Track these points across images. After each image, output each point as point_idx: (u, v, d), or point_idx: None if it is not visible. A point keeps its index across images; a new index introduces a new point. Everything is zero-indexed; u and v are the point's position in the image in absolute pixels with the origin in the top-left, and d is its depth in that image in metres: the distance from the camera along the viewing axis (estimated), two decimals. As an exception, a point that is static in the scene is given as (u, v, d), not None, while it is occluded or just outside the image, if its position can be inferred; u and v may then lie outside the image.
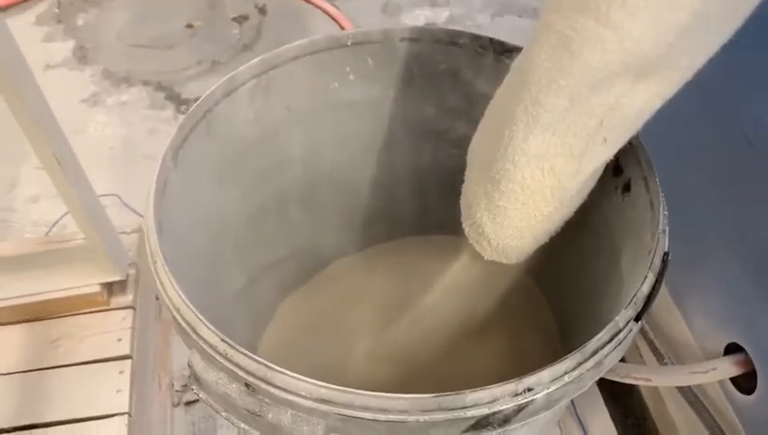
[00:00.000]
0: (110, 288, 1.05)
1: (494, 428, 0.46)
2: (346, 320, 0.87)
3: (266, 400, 0.45)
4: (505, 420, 0.46)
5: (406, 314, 0.81)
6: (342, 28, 1.67)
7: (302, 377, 0.44)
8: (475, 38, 0.69)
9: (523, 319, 0.84)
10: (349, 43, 0.69)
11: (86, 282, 1.03)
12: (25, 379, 0.96)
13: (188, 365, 0.47)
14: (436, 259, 0.75)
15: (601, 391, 0.98)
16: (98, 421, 0.91)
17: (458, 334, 0.79)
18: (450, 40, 0.70)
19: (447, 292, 0.75)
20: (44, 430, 0.91)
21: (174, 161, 0.58)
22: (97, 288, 1.02)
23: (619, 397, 1.01)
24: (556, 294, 0.85)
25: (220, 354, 0.45)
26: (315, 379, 0.76)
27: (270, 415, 0.45)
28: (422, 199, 0.86)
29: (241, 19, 1.74)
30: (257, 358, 0.44)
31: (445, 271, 0.74)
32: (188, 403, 1.06)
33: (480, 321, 0.80)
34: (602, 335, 0.48)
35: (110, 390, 0.94)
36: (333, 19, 1.71)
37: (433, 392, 0.42)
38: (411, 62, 0.72)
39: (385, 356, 0.82)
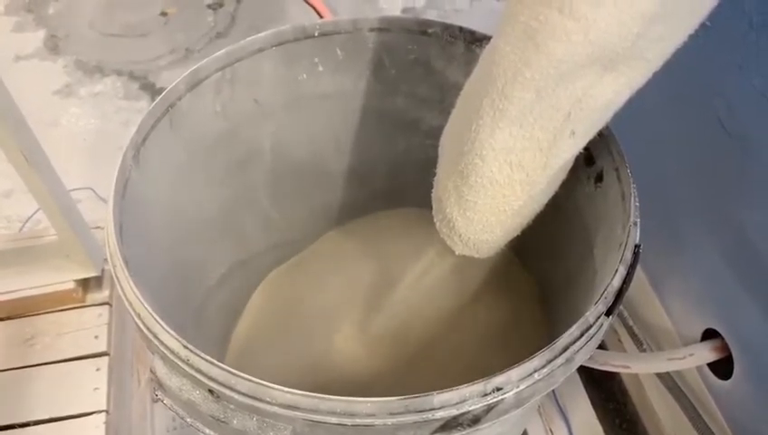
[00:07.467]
0: (86, 284, 1.04)
1: (464, 428, 0.45)
2: (324, 305, 0.85)
3: (231, 406, 0.44)
4: (475, 420, 0.45)
5: (387, 298, 0.80)
6: (320, 15, 1.64)
7: (266, 383, 0.43)
8: (445, 27, 0.67)
9: (506, 291, 0.83)
10: (316, 34, 0.68)
11: (60, 278, 1.01)
12: (1, 379, 0.95)
13: (151, 371, 0.46)
14: (410, 235, 0.74)
15: (581, 376, 0.98)
16: (75, 420, 0.90)
17: (443, 313, 0.79)
18: (420, 29, 0.68)
19: (427, 279, 0.74)
20: (22, 430, 0.90)
21: (135, 160, 0.57)
22: (72, 285, 1.01)
23: (600, 382, 1.01)
24: (537, 270, 0.85)
25: (182, 360, 0.44)
26: (297, 371, 0.76)
27: (235, 421, 0.44)
28: (398, 190, 0.85)
29: (216, 6, 1.71)
30: (220, 364, 0.43)
31: (422, 257, 0.73)
32: (169, 398, 1.05)
33: (463, 300, 0.79)
34: (573, 331, 0.47)
35: (87, 388, 0.93)
36: (310, 5, 1.68)
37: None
38: (381, 53, 0.71)
39: (370, 340, 0.81)
